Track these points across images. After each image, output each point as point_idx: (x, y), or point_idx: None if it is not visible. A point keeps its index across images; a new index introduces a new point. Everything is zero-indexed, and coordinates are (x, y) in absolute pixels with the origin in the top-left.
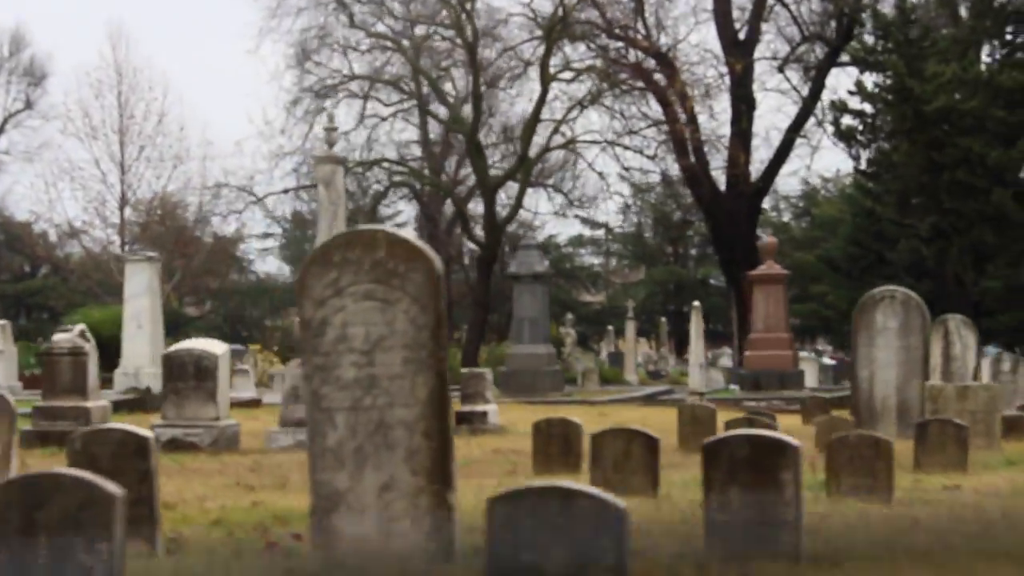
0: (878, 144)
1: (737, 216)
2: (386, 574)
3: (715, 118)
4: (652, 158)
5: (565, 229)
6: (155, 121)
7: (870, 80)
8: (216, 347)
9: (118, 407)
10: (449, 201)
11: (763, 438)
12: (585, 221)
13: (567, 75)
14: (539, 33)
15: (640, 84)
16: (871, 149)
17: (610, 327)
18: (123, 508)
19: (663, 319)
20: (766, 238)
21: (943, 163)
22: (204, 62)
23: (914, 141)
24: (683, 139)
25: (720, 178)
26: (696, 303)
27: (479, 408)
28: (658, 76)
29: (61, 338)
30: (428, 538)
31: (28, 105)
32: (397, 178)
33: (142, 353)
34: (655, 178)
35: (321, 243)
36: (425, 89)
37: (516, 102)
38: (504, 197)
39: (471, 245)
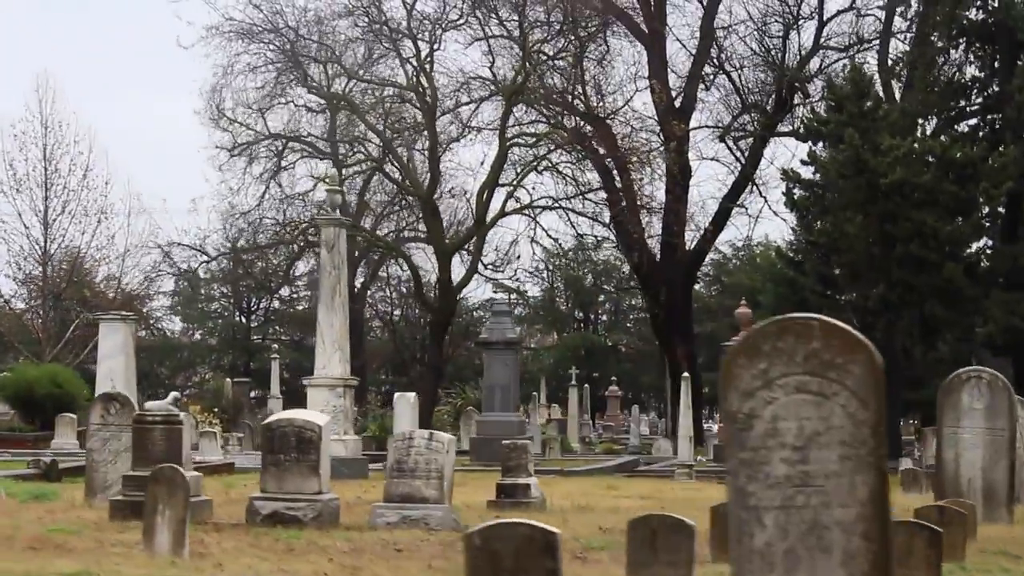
0: (831, 215)
1: (673, 284)
2: None
3: (651, 186)
4: (607, 225)
5: (475, 293)
6: (80, 175)
7: (813, 151)
8: (318, 417)
9: None
10: (363, 262)
11: None
12: (498, 286)
13: (523, 139)
14: (498, 97)
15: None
16: (821, 220)
17: (534, 392)
18: None
19: (586, 386)
20: (740, 309)
21: (896, 236)
22: (135, 116)
23: (867, 214)
24: (620, 206)
25: (657, 246)
26: (685, 374)
27: (522, 481)
28: (595, 142)
29: (154, 406)
30: None
31: None
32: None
33: None
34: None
35: (324, 304)
36: (342, 150)
37: (460, 165)
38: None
39: (383, 308)
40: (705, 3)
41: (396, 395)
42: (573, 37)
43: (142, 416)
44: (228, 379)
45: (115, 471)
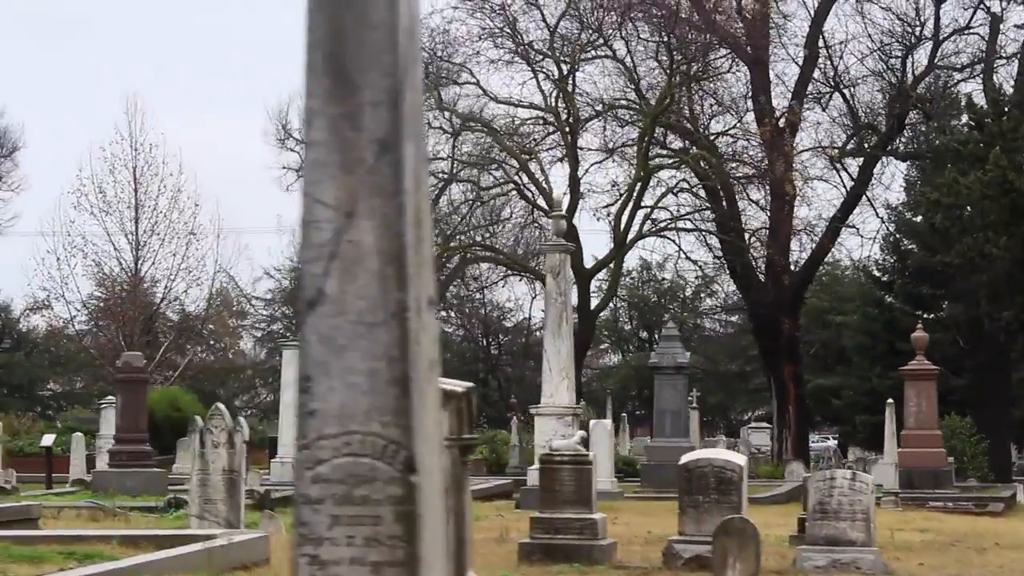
0: (969, 236)
1: (780, 305)
2: None
3: (757, 207)
4: (742, 246)
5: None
6: (169, 197)
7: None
8: (737, 457)
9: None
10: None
11: None
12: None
13: (662, 160)
14: (639, 120)
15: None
16: (959, 242)
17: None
18: None
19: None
20: (918, 332)
21: None
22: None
23: (1011, 235)
24: (728, 227)
25: (763, 267)
26: (890, 400)
27: None
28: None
29: (562, 445)
30: None
31: None
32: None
33: None
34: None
35: (550, 332)
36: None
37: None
38: None
39: (447, 329)
40: (809, 25)
41: (592, 422)
42: (680, 58)
43: (549, 456)
44: None
45: None
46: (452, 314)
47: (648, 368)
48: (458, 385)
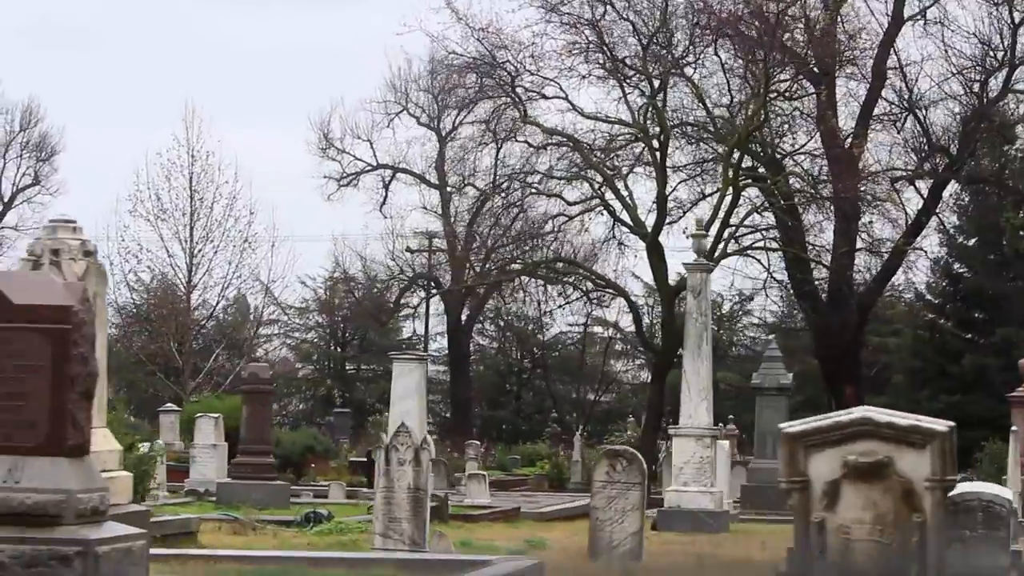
0: None
1: (843, 328)
2: None
3: (820, 227)
4: (828, 267)
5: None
6: (225, 204)
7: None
8: (1005, 491)
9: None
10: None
11: None
12: (597, 321)
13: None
14: (712, 138)
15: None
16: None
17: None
18: None
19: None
20: None
21: None
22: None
23: None
24: (798, 246)
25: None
26: (1015, 428)
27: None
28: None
29: None
30: None
31: (36, 181)
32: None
33: None
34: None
35: (689, 352)
36: (452, 180)
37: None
38: None
39: (481, 342)
40: (878, 45)
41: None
42: (753, 78)
43: None
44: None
45: (622, 531)
46: (487, 326)
47: (751, 389)
48: (939, 423)
